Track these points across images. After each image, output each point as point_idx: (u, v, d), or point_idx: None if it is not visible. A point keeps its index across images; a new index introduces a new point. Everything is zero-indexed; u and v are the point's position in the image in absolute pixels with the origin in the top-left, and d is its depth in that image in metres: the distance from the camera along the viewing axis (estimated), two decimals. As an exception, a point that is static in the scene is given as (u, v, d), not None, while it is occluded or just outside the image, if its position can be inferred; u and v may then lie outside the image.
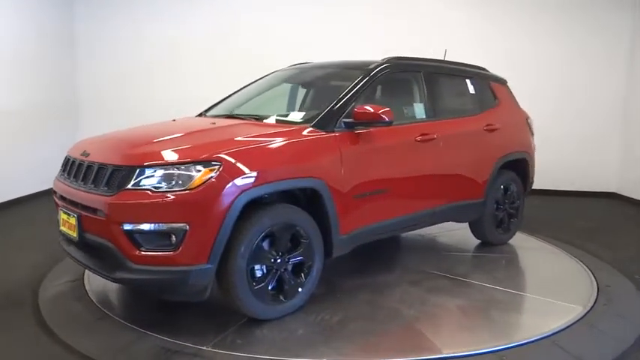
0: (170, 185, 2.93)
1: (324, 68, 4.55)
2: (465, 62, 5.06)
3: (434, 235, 5.39)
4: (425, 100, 4.31)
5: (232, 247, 3.05)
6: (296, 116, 3.72)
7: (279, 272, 3.28)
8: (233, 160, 3.04)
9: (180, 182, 2.93)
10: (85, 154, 3.34)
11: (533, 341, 3.08)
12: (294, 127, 3.54)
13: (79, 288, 3.83)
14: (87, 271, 3.96)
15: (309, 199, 3.47)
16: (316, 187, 3.38)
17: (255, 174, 3.08)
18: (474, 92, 4.84)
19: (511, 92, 5.37)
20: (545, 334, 3.14)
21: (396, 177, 3.95)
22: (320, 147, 3.46)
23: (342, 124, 3.62)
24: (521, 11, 7.55)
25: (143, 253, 2.93)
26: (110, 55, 8.05)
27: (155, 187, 2.93)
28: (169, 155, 3.04)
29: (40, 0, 7.31)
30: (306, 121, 3.62)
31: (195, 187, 2.92)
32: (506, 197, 5.04)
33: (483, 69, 5.18)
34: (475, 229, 5.04)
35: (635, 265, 4.57)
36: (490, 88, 5.04)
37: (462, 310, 3.52)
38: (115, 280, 3.08)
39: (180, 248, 2.92)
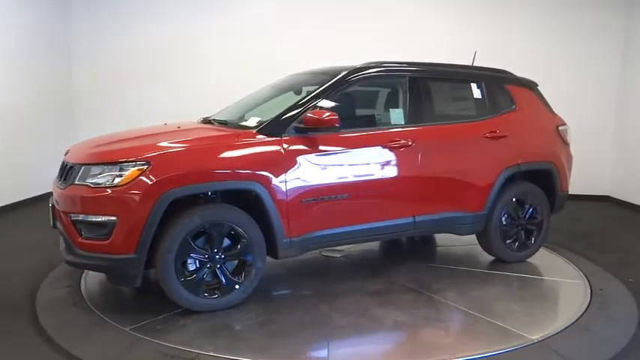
0: (105, 182, 3.31)
1: (314, 75, 4.58)
2: (479, 65, 4.74)
3: (452, 246, 5.14)
4: (406, 105, 4.16)
5: (161, 241, 3.34)
6: (252, 121, 3.86)
7: (212, 268, 3.48)
8: (161, 162, 3.32)
9: (113, 180, 3.30)
10: (66, 153, 3.89)
11: (527, 345, 3.13)
12: (241, 132, 3.70)
13: (76, 293, 3.86)
14: (83, 277, 4.14)
15: (255, 201, 3.61)
16: (252, 189, 3.51)
17: (182, 174, 3.33)
18: (479, 97, 4.51)
19: (540, 96, 4.89)
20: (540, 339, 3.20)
21: (357, 184, 3.89)
22: (260, 151, 3.57)
23: (293, 129, 3.69)
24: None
25: (84, 240, 3.36)
26: (107, 57, 7.92)
27: (93, 183, 3.34)
28: (108, 156, 3.43)
29: (37, 0, 7.14)
30: (257, 126, 3.76)
31: (124, 185, 3.26)
32: (521, 211, 4.61)
33: (502, 72, 4.79)
34: (482, 244, 4.69)
35: (627, 269, 4.61)
36: (507, 91, 4.65)
37: (395, 325, 3.38)
38: (66, 262, 3.53)
39: (111, 238, 3.28)
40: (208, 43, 7.87)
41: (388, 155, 3.96)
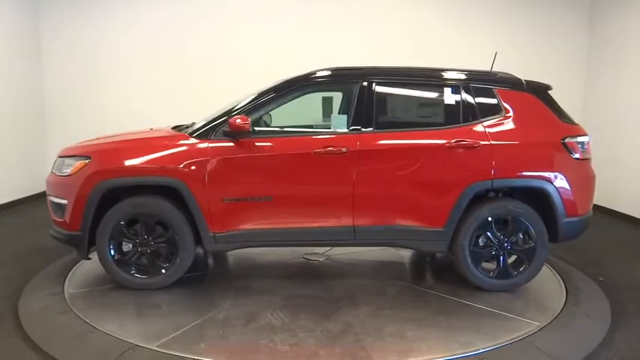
0: (65, 172, 4.11)
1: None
2: (464, 69, 4.27)
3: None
4: (352, 111, 4.04)
5: (98, 224, 3.99)
6: (197, 125, 4.22)
7: (140, 251, 4.00)
8: (98, 157, 3.98)
9: (67, 170, 4.07)
10: None
11: (512, 342, 3.26)
12: (177, 134, 4.14)
13: (61, 301, 3.84)
14: (66, 283, 4.19)
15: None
16: (172, 185, 3.92)
17: (113, 169, 3.93)
18: (451, 102, 4.08)
19: (548, 102, 4.17)
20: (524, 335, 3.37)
21: (281, 187, 3.97)
22: (184, 152, 3.95)
23: (222, 133, 3.98)
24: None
25: (54, 218, 4.21)
26: (78, 60, 7.88)
27: (59, 172, 4.16)
28: (70, 151, 4.21)
29: (4, 3, 7.07)
30: (195, 129, 4.12)
31: (72, 174, 4.01)
32: (501, 233, 4.04)
33: (492, 74, 4.24)
34: (456, 267, 4.23)
35: (596, 268, 4.93)
36: (494, 96, 4.11)
37: (261, 327, 3.41)
38: (50, 235, 4.40)
39: (64, 217, 4.06)
40: (185, 46, 7.81)
41: (317, 161, 3.93)
